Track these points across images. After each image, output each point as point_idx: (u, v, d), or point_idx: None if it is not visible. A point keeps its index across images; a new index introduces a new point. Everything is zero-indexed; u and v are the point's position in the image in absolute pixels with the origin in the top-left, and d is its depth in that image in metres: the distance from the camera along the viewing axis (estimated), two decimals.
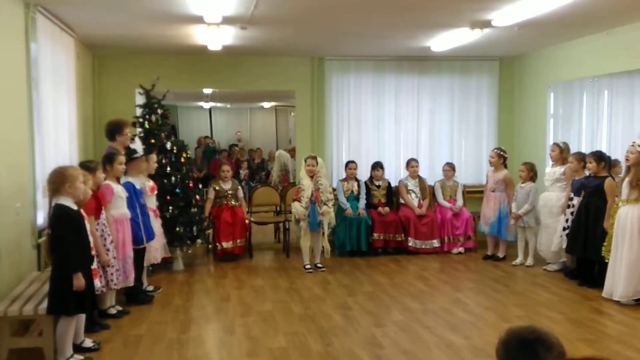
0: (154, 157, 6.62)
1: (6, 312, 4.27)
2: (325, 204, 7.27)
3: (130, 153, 6.01)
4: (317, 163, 7.33)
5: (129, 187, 5.70)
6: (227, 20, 6.31)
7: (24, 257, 5.30)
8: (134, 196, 5.76)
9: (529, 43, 8.16)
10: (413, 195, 8.53)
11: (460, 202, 8.58)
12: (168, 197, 7.11)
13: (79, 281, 4.14)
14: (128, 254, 5.50)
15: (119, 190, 5.47)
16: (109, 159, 5.50)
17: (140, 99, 7.90)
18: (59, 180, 4.22)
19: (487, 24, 6.55)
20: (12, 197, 5.02)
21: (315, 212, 7.22)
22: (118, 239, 5.34)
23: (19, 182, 5.22)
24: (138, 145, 6.36)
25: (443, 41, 7.68)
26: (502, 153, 7.92)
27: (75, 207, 4.26)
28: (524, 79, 9.20)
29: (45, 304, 4.28)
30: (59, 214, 4.18)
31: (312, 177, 7.28)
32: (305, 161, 7.34)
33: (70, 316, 4.26)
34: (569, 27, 6.95)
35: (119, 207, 5.45)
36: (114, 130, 6.15)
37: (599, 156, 6.54)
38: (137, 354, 4.61)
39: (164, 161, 7.21)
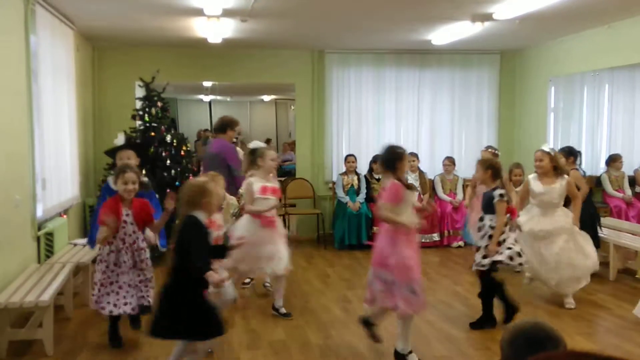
0: (273, 153, 5.57)
1: (6, 303, 4.26)
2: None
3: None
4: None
5: None
6: (228, 13, 6.29)
7: (23, 249, 5.30)
8: None
9: (530, 37, 8.14)
10: None
11: (460, 196, 8.57)
12: (168, 190, 7.10)
13: (215, 277, 3.65)
14: None
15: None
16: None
17: (140, 92, 7.89)
18: (198, 194, 3.68)
19: (488, 17, 6.53)
20: (12, 189, 5.01)
21: None
22: None
23: (18, 174, 5.21)
24: (121, 140, 5.78)
25: (444, 34, 7.65)
26: (497, 152, 7.30)
27: (206, 222, 3.77)
28: (525, 73, 9.19)
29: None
30: (192, 224, 3.62)
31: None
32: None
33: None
34: (571, 20, 6.93)
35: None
36: (227, 124, 6.41)
37: (568, 151, 6.31)
38: (136, 348, 4.61)
39: (163, 154, 7.21)
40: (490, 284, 5.04)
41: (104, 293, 4.40)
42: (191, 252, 3.50)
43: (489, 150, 7.36)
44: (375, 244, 4.41)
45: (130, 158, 5.18)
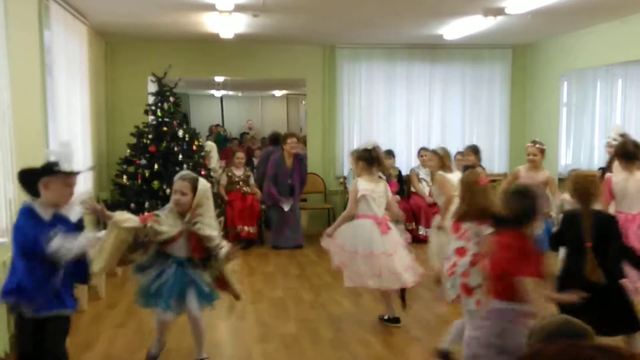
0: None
1: None
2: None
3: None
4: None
5: None
6: (239, 8, 6.31)
7: None
8: None
9: (542, 31, 8.10)
10: (424, 183, 8.52)
11: None
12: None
13: None
14: None
15: None
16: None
17: (152, 87, 7.94)
18: (593, 187, 3.76)
19: (500, 11, 6.51)
20: None
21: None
22: None
23: None
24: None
25: (456, 29, 7.63)
26: (544, 147, 6.24)
27: None
28: (537, 68, 9.14)
29: None
30: (605, 218, 3.83)
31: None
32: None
33: None
34: (583, 14, 6.88)
35: None
36: (280, 139, 7.47)
37: (474, 149, 6.55)
38: (148, 340, 4.65)
39: (175, 149, 7.26)
40: None
41: None
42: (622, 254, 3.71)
43: (537, 146, 6.21)
44: None
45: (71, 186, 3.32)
